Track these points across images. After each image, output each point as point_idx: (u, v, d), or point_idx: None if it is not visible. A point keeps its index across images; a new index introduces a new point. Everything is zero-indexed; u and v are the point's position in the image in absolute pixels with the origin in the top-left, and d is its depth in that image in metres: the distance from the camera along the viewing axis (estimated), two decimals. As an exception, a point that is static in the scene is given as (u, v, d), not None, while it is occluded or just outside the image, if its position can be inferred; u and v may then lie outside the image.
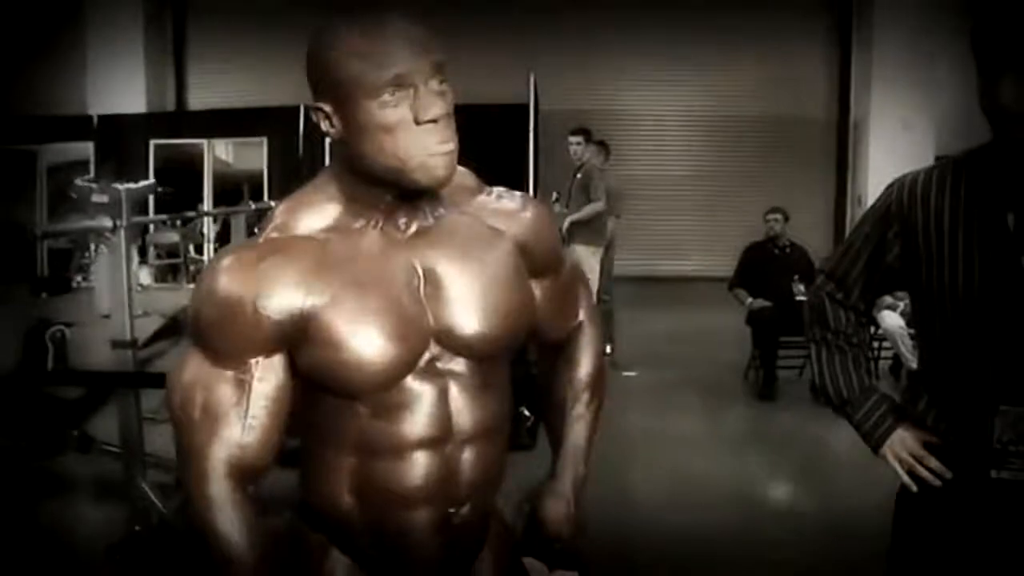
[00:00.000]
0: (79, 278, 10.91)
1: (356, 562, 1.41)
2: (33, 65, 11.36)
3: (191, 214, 10.27)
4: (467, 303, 1.32)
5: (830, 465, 4.67)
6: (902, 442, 1.69)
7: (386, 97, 1.20)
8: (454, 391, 1.33)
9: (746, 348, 6.60)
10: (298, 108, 11.20)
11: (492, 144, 8.05)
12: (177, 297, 7.68)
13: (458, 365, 1.33)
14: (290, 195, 1.37)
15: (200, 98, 12.64)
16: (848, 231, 13.15)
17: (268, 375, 1.27)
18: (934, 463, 1.65)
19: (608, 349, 7.13)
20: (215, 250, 11.37)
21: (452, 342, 1.32)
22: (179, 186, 11.19)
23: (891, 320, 6.46)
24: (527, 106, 7.89)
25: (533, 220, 1.43)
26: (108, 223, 3.51)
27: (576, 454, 1.55)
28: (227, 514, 1.28)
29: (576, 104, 10.74)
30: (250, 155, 11.72)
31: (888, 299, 6.61)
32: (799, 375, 6.30)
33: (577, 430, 1.56)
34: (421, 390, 1.31)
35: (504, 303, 1.35)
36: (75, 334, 5.99)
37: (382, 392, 1.28)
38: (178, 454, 1.32)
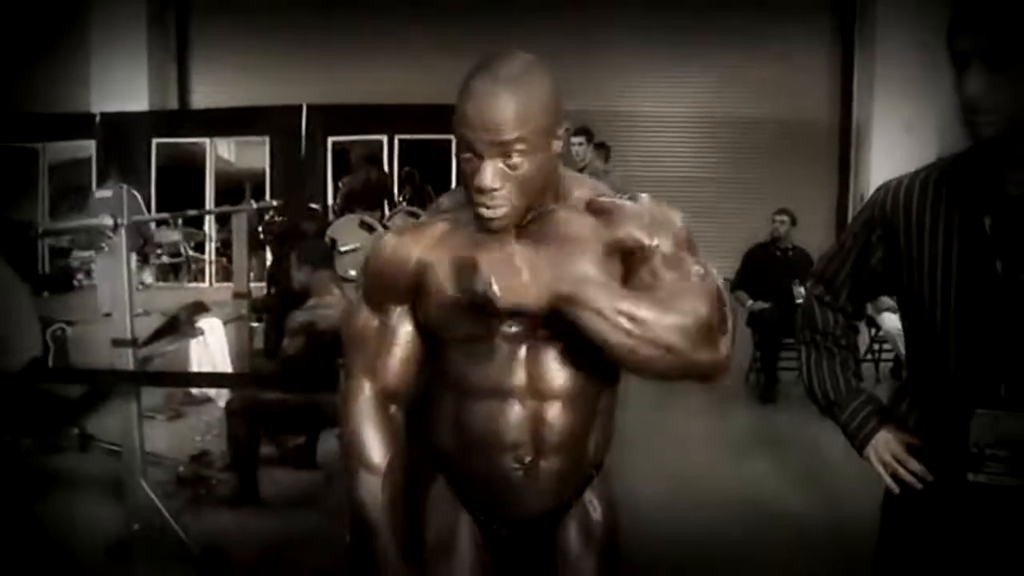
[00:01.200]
0: (80, 277, 10.95)
1: (456, 494, 1.70)
2: (36, 63, 11.35)
3: (193, 213, 10.28)
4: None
5: (829, 467, 4.66)
6: (885, 444, 1.70)
7: (466, 155, 1.47)
8: (541, 353, 1.57)
9: (748, 350, 6.60)
10: (300, 107, 11.21)
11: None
12: (178, 296, 7.68)
13: (546, 333, 1.55)
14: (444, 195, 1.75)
15: (203, 96, 12.62)
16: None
17: (403, 320, 1.63)
18: (915, 466, 1.65)
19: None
20: (216, 249, 11.38)
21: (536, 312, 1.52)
22: (181, 184, 11.21)
23: (892, 322, 6.42)
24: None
25: (640, 219, 1.55)
26: (109, 221, 3.50)
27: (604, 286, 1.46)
28: (368, 421, 1.63)
29: (578, 105, 10.72)
30: (252, 154, 11.72)
31: (889, 301, 6.57)
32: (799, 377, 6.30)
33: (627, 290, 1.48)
34: (511, 347, 1.56)
35: None
36: (76, 332, 6.02)
37: (476, 342, 1.56)
38: (342, 378, 1.68)
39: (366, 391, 1.64)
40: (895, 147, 10.37)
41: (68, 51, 11.58)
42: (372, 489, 1.60)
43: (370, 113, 10.96)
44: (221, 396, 5.09)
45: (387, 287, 1.62)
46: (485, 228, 1.51)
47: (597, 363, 1.55)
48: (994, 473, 1.55)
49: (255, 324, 5.93)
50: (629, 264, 1.54)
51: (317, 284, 4.32)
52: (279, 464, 4.44)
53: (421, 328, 1.62)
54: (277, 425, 4.27)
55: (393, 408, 1.66)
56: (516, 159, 1.45)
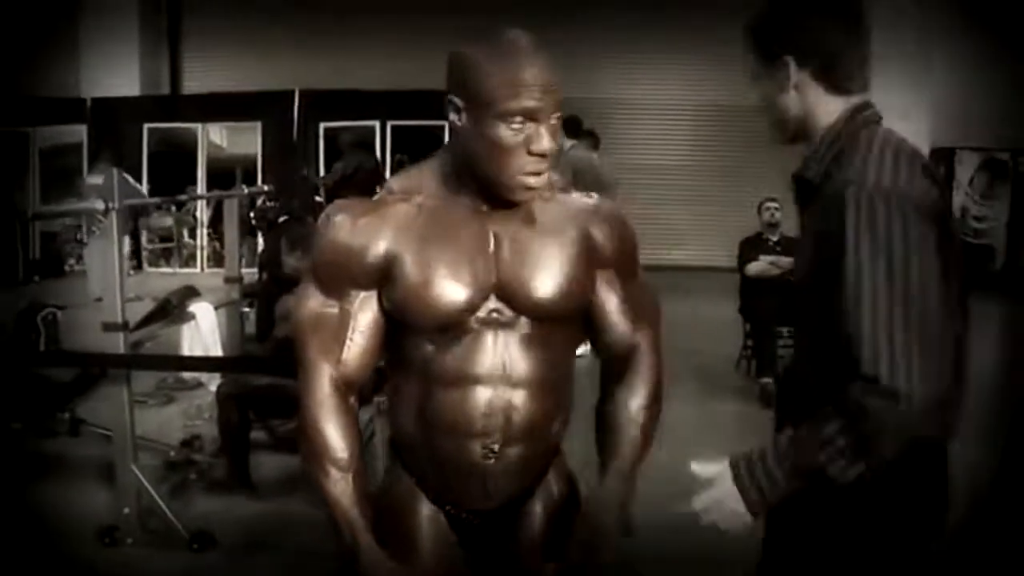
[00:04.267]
0: (72, 261, 10.92)
1: (419, 485, 1.67)
2: (26, 46, 11.28)
3: (184, 197, 10.25)
4: (527, 269, 1.56)
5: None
6: None
7: (515, 124, 1.45)
8: (510, 341, 1.57)
9: (739, 337, 6.61)
10: (293, 92, 11.16)
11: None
12: (169, 281, 7.66)
13: (517, 320, 1.57)
14: (401, 171, 1.70)
15: (195, 81, 12.56)
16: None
17: (365, 307, 1.58)
18: None
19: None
20: (208, 234, 11.34)
21: (511, 299, 1.56)
22: (172, 170, 11.17)
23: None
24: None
25: (606, 218, 1.66)
26: (100, 205, 3.48)
27: (619, 479, 1.66)
28: (330, 414, 1.57)
29: (568, 92, 10.68)
30: (244, 139, 11.67)
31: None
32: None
33: (624, 454, 1.68)
34: (481, 334, 1.56)
35: (559, 275, 1.57)
36: (67, 317, 6.00)
37: (447, 330, 1.55)
38: (297, 367, 1.60)
39: (326, 384, 1.57)
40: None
41: (59, 35, 11.51)
42: (345, 487, 1.56)
43: (362, 99, 10.94)
44: (212, 381, 5.08)
45: (348, 272, 1.57)
46: (520, 197, 1.52)
47: (560, 348, 1.64)
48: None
49: (246, 309, 5.92)
50: (591, 257, 1.63)
51: (307, 269, 4.30)
52: (270, 449, 4.43)
53: (385, 314, 1.58)
54: (268, 410, 4.26)
55: (352, 399, 1.61)
56: (554, 124, 1.49)
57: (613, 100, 11.73)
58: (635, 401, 1.71)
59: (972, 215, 11.12)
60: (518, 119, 1.44)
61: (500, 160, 1.47)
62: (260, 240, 8.76)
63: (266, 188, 7.25)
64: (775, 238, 6.44)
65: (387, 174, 9.72)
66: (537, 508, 1.70)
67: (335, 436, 1.56)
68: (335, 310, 1.58)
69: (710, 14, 11.34)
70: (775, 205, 6.48)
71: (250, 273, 6.71)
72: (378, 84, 10.91)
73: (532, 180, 1.49)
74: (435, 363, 1.56)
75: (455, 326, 1.54)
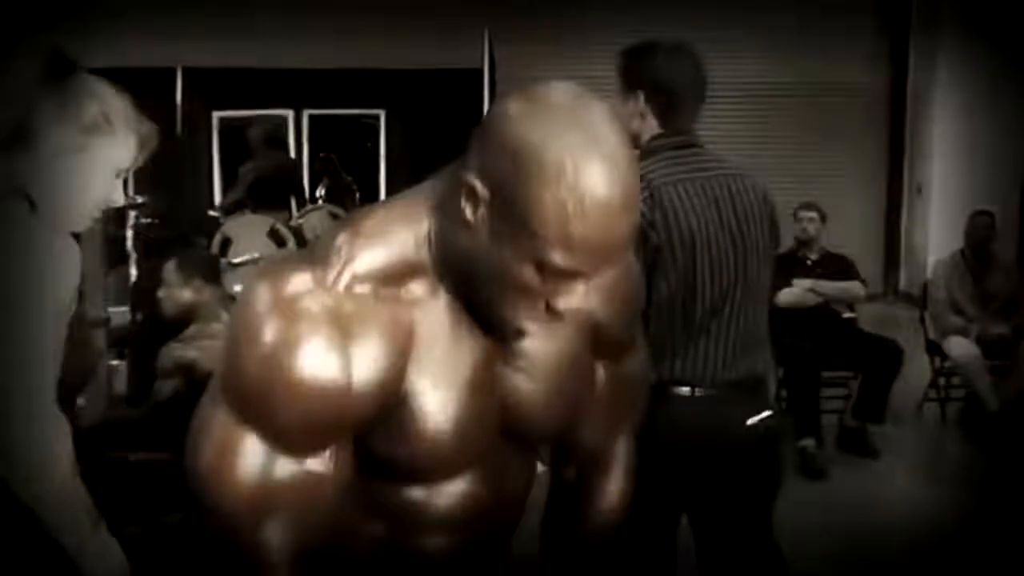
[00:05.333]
0: None
1: None
2: None
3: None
4: (537, 390, 1.53)
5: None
6: None
7: (549, 276, 1.32)
8: (505, 471, 1.60)
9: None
10: (174, 71, 11.07)
11: (443, 112, 8.00)
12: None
13: (518, 447, 1.61)
14: (357, 224, 1.45)
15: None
16: (904, 228, 13.09)
17: (344, 464, 1.42)
18: None
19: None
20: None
21: (516, 429, 1.55)
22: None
23: (963, 348, 6.32)
24: (480, 71, 7.94)
25: (611, 290, 1.57)
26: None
27: None
28: None
29: (544, 74, 10.73)
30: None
31: (959, 321, 6.50)
32: (839, 419, 6.25)
33: None
34: (478, 471, 1.54)
35: (570, 386, 1.57)
36: None
37: (444, 474, 1.51)
38: (239, 550, 1.42)
39: (283, 564, 1.42)
40: (961, 121, 10.50)
41: None
42: None
43: (270, 80, 10.90)
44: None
45: (330, 414, 1.37)
46: (506, 340, 1.47)
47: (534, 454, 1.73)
48: None
49: (115, 362, 5.87)
50: (594, 336, 1.63)
51: (201, 307, 4.27)
52: (147, 549, 4.36)
53: (357, 459, 1.46)
54: (143, 496, 4.20)
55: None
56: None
57: (597, 81, 11.75)
58: (599, 516, 1.80)
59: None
60: (556, 274, 1.32)
61: (507, 297, 1.38)
62: (134, 269, 8.68)
63: (139, 199, 7.19)
64: (814, 256, 6.38)
65: (305, 177, 9.70)
66: None
67: None
68: (295, 474, 1.39)
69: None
70: (811, 215, 6.41)
71: (119, 313, 6.65)
72: (290, 62, 10.86)
73: (530, 324, 1.43)
74: (417, 509, 1.52)
75: (458, 469, 1.52)
